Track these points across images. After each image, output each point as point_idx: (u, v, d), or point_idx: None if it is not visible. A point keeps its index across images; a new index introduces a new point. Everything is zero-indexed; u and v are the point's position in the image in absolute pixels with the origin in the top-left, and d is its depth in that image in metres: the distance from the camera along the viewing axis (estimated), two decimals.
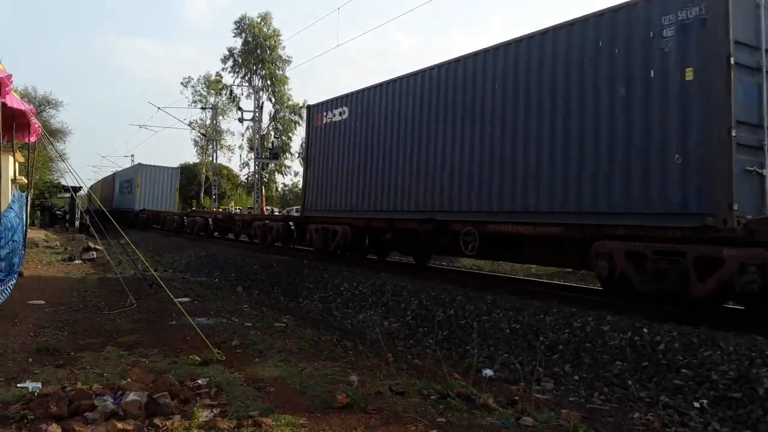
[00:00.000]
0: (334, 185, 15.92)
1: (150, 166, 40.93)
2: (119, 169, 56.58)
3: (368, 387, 5.69)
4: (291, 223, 19.38)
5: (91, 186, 61.56)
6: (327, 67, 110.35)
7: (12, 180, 12.26)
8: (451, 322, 9.59)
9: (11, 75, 8.26)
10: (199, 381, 5.56)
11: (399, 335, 9.74)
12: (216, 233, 28.10)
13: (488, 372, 7.28)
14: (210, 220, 28.01)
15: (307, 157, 17.64)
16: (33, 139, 11.99)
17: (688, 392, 6.18)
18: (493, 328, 8.88)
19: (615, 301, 8.99)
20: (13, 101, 8.88)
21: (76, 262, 17.08)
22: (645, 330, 7.35)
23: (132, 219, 39.21)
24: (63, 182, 43.04)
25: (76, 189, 30.55)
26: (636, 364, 6.90)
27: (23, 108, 9.34)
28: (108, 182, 52.97)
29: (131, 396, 4.84)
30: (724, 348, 6.55)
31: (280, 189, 65.81)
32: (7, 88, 8.39)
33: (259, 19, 50.06)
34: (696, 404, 5.97)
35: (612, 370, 6.99)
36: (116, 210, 42.35)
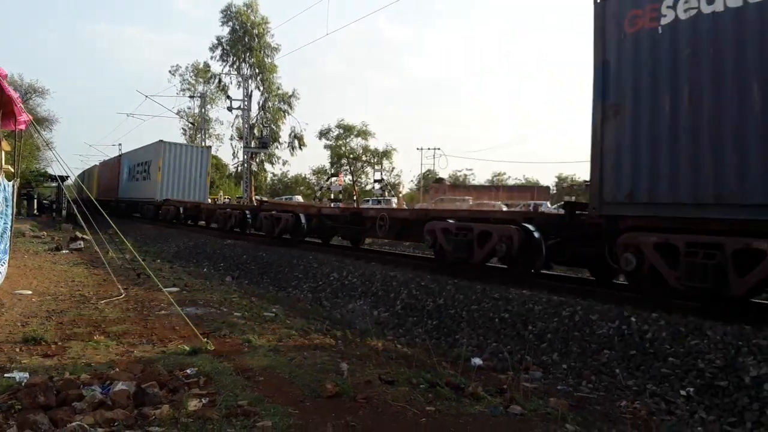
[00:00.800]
0: (736, 146, 7.16)
1: (175, 144, 32.39)
2: (107, 157, 55.27)
3: (357, 376, 5.70)
4: (532, 227, 10.21)
5: (83, 172, 57.14)
6: (315, 54, 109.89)
7: None
8: (440, 311, 9.61)
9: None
10: (188, 371, 5.54)
11: (388, 325, 9.75)
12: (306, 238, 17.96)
13: (477, 361, 7.31)
14: (302, 216, 17.61)
15: (603, 96, 8.71)
16: (21, 127, 11.88)
17: (675, 381, 6.22)
18: (483, 318, 8.91)
19: (602, 290, 9.02)
20: (6, 88, 8.80)
21: (63, 251, 16.95)
22: (633, 319, 7.40)
23: (151, 212, 31.53)
24: (50, 171, 42.60)
25: (63, 178, 30.10)
26: (624, 353, 6.94)
27: (12, 95, 9.24)
28: (110, 166, 43.69)
29: (119, 386, 4.82)
30: (711, 337, 6.60)
31: (269, 179, 65.64)
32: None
33: (245, 7, 49.72)
34: (683, 392, 6.01)
35: (600, 358, 7.04)
36: (125, 200, 37.15)
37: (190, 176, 31.44)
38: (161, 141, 31.53)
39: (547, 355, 7.49)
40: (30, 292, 9.68)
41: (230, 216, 22.39)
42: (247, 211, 21.95)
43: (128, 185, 36.99)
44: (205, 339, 6.69)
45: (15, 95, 9.44)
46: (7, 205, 9.57)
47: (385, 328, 9.58)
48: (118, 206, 36.48)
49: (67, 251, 17.06)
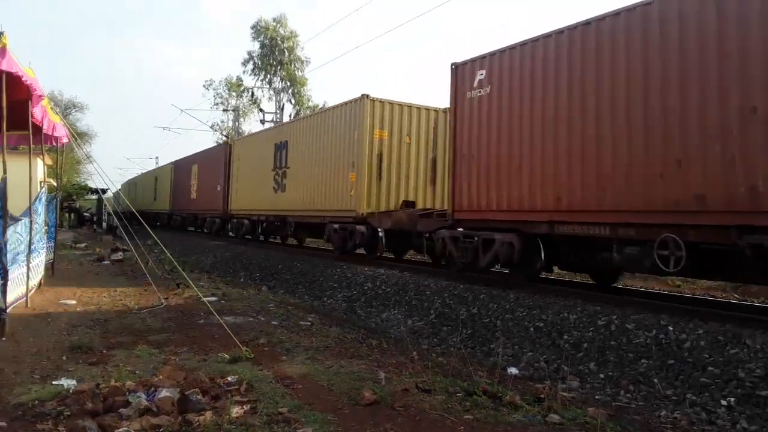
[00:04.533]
0: None
1: None
2: (145, 170, 54.67)
3: (394, 384, 5.76)
4: None
5: (153, 172, 46.01)
6: (347, 67, 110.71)
7: (40, 181, 12.54)
8: (474, 320, 9.63)
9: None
10: (229, 378, 5.66)
11: (423, 333, 9.79)
12: None
13: (513, 370, 7.31)
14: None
15: None
16: (65, 140, 12.28)
17: (715, 390, 6.16)
18: (517, 327, 8.90)
19: (638, 299, 8.96)
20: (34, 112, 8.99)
21: (105, 262, 17.37)
22: (670, 328, 7.34)
23: None
24: (90, 184, 43.54)
25: (104, 191, 30.61)
26: (662, 362, 6.89)
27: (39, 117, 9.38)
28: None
29: (164, 392, 4.95)
30: (750, 346, 6.52)
31: None
32: (36, 92, 8.56)
33: (274, 23, 50.35)
34: (723, 402, 5.95)
35: (637, 368, 6.99)
36: None
37: None
38: None
39: (584, 365, 7.46)
40: (74, 302, 9.95)
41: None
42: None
43: None
44: (245, 347, 6.81)
45: (42, 115, 9.59)
46: (38, 213, 9.80)
47: (420, 336, 9.62)
48: None
49: (109, 262, 17.48)
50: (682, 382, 6.49)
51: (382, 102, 15.45)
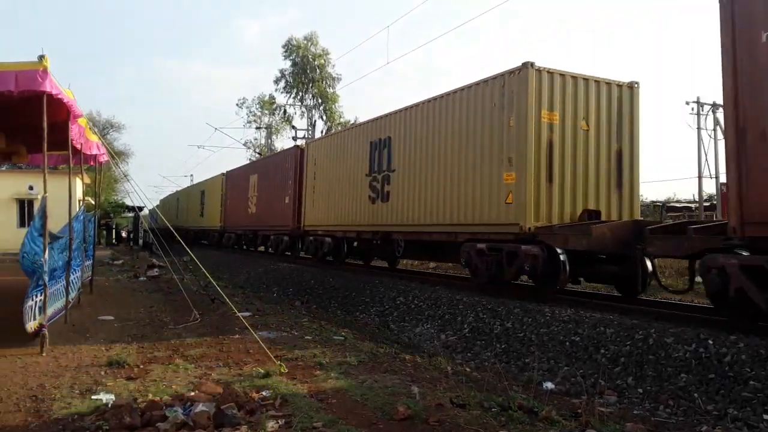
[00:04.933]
0: None
1: None
2: (179, 188, 55.35)
3: (428, 399, 5.73)
4: None
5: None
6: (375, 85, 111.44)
7: (79, 200, 12.81)
8: (508, 335, 9.54)
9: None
10: (264, 392, 5.70)
11: (456, 348, 9.74)
12: None
13: (549, 385, 7.22)
14: None
15: None
16: (103, 159, 12.56)
17: (757, 405, 6.00)
18: (553, 341, 8.80)
19: (676, 312, 8.79)
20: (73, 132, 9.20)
21: (142, 279, 17.65)
22: (710, 342, 7.18)
23: None
24: (127, 202, 44.41)
25: (140, 208, 31.05)
26: (702, 377, 6.74)
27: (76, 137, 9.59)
28: None
29: (200, 407, 5.00)
30: None
31: None
32: (74, 113, 8.78)
33: (305, 41, 50.94)
34: (766, 417, 5.80)
35: (677, 382, 6.85)
36: None
37: None
38: None
39: (622, 379, 7.33)
40: (112, 318, 10.12)
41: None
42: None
43: None
44: (279, 362, 6.85)
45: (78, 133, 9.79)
46: (75, 230, 10.00)
47: (453, 351, 9.57)
48: None
49: (145, 278, 17.76)
50: (723, 396, 6.34)
51: (551, 72, 11.47)
